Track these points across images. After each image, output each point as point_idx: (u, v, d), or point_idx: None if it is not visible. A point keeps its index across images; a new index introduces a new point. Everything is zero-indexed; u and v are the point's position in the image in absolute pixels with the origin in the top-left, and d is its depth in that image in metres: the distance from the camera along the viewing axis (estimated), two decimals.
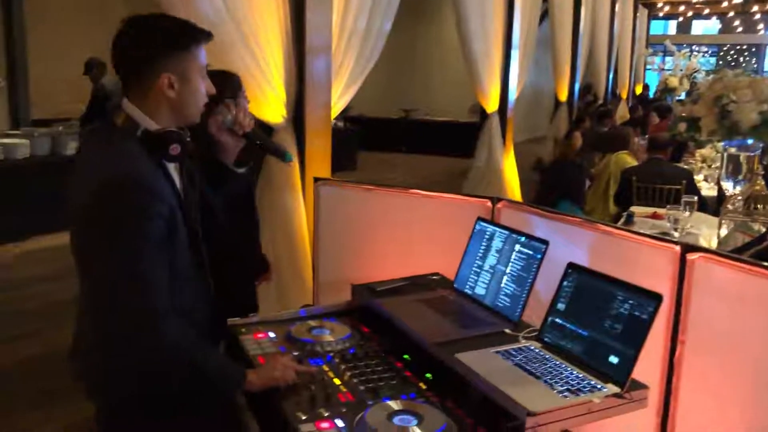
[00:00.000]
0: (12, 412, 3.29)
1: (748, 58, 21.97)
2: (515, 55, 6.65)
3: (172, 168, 1.57)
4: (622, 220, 4.15)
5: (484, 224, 2.02)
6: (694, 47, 14.40)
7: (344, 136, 9.94)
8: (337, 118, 4.34)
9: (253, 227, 2.22)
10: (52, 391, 3.39)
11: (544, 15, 9.07)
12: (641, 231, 2.10)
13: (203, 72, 1.57)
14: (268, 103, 3.21)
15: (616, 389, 1.42)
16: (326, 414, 1.43)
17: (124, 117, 1.52)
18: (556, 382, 1.43)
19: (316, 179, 2.68)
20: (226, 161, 1.89)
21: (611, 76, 13.67)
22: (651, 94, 15.15)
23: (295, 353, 1.71)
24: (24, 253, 6.00)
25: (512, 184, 6.62)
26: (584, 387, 1.41)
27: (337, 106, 3.77)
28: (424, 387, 1.57)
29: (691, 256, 1.69)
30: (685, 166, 5.73)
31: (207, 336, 1.61)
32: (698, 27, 23.59)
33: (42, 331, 4.23)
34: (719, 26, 22.72)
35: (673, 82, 10.64)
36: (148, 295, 1.41)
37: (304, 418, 1.42)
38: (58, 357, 3.87)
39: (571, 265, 1.67)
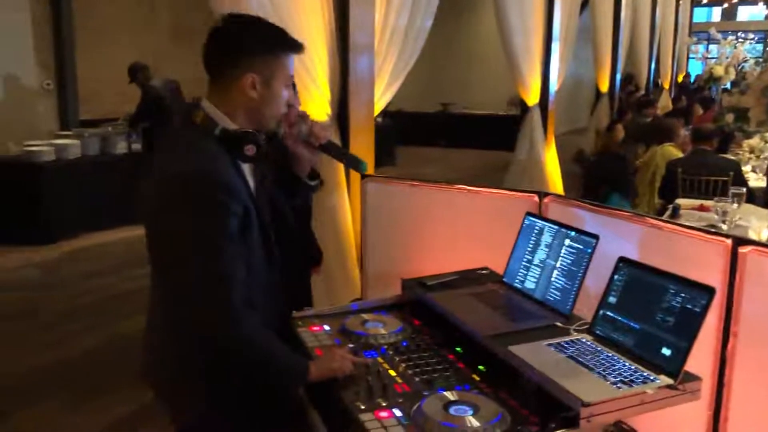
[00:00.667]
0: (66, 402, 3.44)
1: None
2: (556, 47, 6.61)
3: (246, 168, 1.61)
4: (668, 212, 4.12)
5: (533, 219, 2.04)
6: (739, 34, 14.03)
7: (383, 131, 9.99)
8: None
9: (310, 225, 2.23)
10: (100, 385, 3.53)
11: (585, 5, 8.97)
12: (690, 224, 2.09)
13: (288, 81, 1.60)
14: (313, 101, 3.28)
15: (669, 381, 1.43)
16: (384, 404, 1.48)
17: (203, 116, 1.56)
18: (609, 374, 1.46)
19: (363, 176, 2.73)
20: (300, 174, 1.87)
21: (653, 65, 13.44)
22: (692, 81, 14.85)
23: (350, 345, 1.77)
24: (76, 250, 6.23)
25: (554, 177, 6.59)
26: (637, 378, 1.44)
27: (380, 103, 3.82)
28: (477, 378, 1.61)
29: (743, 249, 1.69)
30: (732, 157, 5.63)
31: (275, 332, 1.66)
32: (744, 13, 22.98)
33: (98, 325, 4.40)
34: (766, 12, 22.09)
35: (719, 71, 10.40)
36: (227, 291, 1.45)
37: (363, 407, 1.47)
38: (113, 350, 4.04)
39: (622, 259, 1.68)
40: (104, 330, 4.29)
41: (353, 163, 1.91)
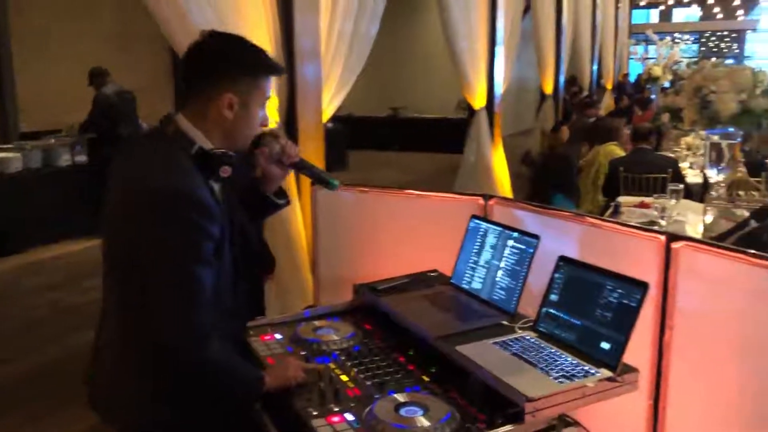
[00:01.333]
0: (24, 419, 3.36)
1: (729, 44, 22.18)
2: (500, 51, 6.73)
3: (216, 187, 1.59)
4: (610, 210, 4.25)
5: (478, 221, 2.10)
6: (676, 35, 14.54)
7: (334, 136, 9.99)
8: None
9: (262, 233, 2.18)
10: (58, 400, 3.46)
11: (527, 9, 9.16)
12: (628, 222, 2.18)
13: (264, 102, 1.61)
14: None
15: (608, 373, 1.50)
16: (336, 409, 1.51)
17: (176, 130, 1.54)
18: (551, 369, 1.51)
19: (313, 182, 2.75)
20: (268, 192, 1.87)
21: (595, 67, 13.81)
22: (632, 80, 15.30)
23: (303, 353, 1.79)
24: (26, 264, 6.09)
25: (502, 179, 6.70)
26: (578, 372, 1.50)
27: (328, 109, 3.85)
28: (427, 379, 1.65)
29: (675, 245, 1.77)
30: (671, 155, 5.84)
31: (234, 346, 1.67)
32: (679, 15, 23.81)
33: (54, 338, 4.33)
34: (700, 13, 22.94)
35: (657, 71, 10.78)
36: (197, 316, 1.45)
37: (315, 413, 1.49)
38: (69, 364, 3.96)
39: (562, 258, 1.75)
40: (60, 344, 4.21)
41: (325, 182, 1.90)
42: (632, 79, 16.02)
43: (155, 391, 1.53)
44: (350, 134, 11.17)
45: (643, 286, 1.53)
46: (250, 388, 1.59)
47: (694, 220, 3.72)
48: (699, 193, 4.73)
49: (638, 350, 1.69)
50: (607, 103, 12.44)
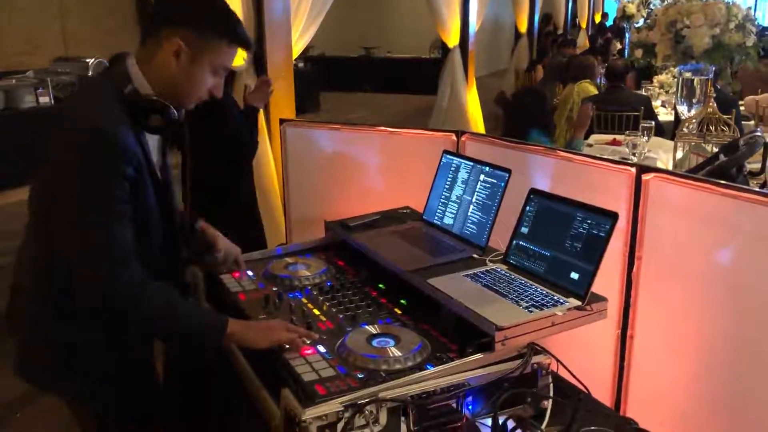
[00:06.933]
0: None
1: None
2: None
3: (150, 138, 1.53)
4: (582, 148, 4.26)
5: (450, 157, 2.08)
6: None
7: (307, 77, 9.80)
8: (297, 59, 4.32)
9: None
10: None
11: None
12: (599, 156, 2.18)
13: (217, 71, 1.54)
14: None
15: (577, 302, 1.51)
16: (308, 341, 1.51)
17: (121, 72, 1.50)
18: (521, 299, 1.53)
19: (282, 120, 2.71)
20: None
21: (570, 5, 13.63)
22: (610, 22, 15.16)
23: (274, 289, 1.78)
24: None
25: (476, 118, 6.68)
26: (548, 302, 1.51)
27: (298, 46, 3.76)
28: (399, 312, 1.66)
29: (645, 177, 1.78)
30: (643, 93, 5.84)
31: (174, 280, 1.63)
32: None
33: None
34: None
35: (631, 9, 10.69)
36: (123, 267, 1.40)
37: (287, 346, 1.49)
38: None
39: (533, 191, 1.75)
40: None
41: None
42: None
43: (71, 354, 1.50)
44: (323, 75, 10.98)
45: (612, 217, 1.53)
46: (207, 336, 1.50)
47: (666, 157, 3.74)
48: (670, 130, 4.75)
49: (608, 281, 1.71)
50: (582, 42, 12.33)
